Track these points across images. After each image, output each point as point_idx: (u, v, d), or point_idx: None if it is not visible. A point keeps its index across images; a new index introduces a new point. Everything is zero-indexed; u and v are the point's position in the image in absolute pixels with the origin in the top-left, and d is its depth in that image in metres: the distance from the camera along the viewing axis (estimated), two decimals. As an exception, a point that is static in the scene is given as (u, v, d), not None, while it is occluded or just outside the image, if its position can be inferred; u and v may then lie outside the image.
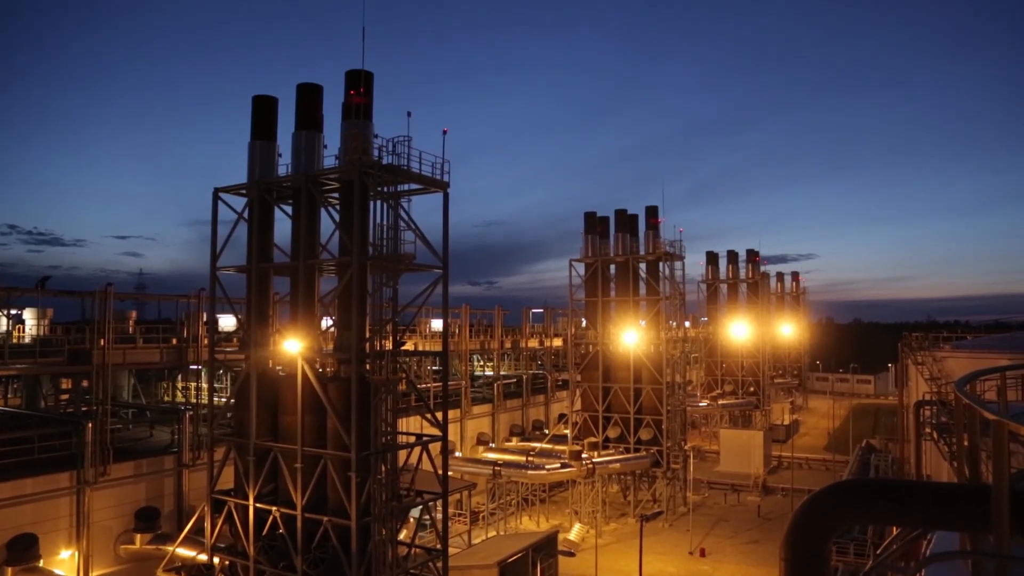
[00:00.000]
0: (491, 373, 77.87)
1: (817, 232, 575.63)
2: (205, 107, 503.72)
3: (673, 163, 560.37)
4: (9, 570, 29.83)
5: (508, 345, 75.43)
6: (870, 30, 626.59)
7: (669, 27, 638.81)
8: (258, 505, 31.54)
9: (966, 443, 11.33)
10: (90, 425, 33.31)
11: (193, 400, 44.33)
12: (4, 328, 40.94)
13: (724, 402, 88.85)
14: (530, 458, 52.66)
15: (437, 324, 68.33)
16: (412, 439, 33.25)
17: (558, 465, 51.80)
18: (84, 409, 41.84)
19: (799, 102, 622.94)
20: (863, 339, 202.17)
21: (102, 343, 37.35)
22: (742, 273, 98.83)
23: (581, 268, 63.72)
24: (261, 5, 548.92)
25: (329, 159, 32.69)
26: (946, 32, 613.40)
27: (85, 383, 43.26)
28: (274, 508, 31.06)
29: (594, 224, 63.65)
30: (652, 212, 64.58)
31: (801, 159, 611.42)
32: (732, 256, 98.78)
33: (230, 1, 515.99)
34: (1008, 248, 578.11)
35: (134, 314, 53.91)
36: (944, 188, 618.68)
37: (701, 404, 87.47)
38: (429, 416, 34.05)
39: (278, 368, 33.81)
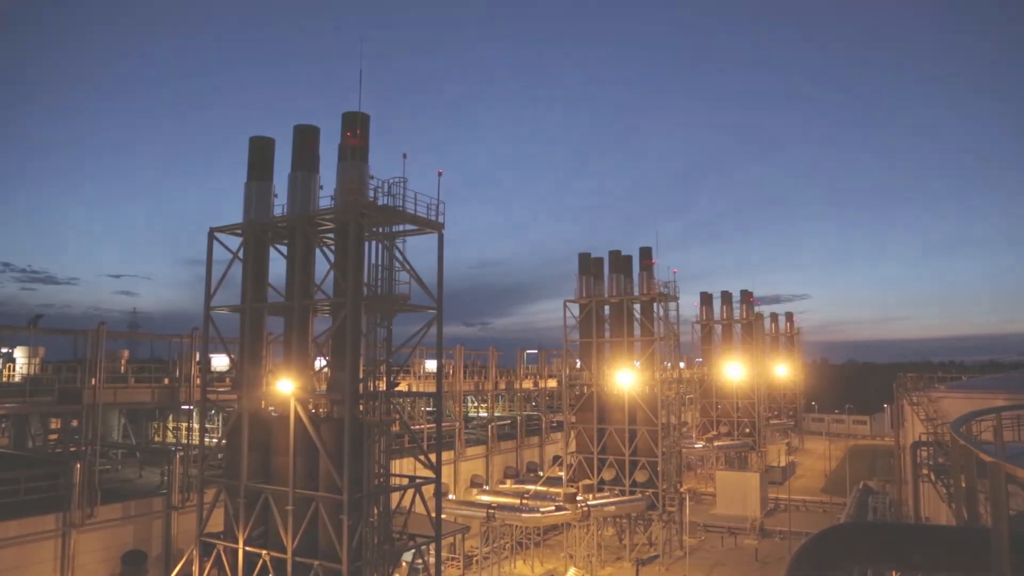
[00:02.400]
0: (485, 414, 77.26)
1: (811, 272, 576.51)
2: (201, 146, 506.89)
3: (667, 203, 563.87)
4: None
5: (502, 386, 75.02)
6: (863, 68, 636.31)
7: (661, 68, 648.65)
8: (248, 548, 31.02)
9: (963, 484, 11.28)
10: (78, 466, 32.80)
11: (184, 441, 43.72)
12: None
13: (720, 443, 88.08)
14: (524, 501, 51.91)
15: (431, 365, 67.94)
16: (405, 481, 32.89)
17: (553, 508, 51.08)
18: (73, 449, 41.27)
19: (794, 139, 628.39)
20: (858, 379, 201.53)
21: (93, 382, 37.05)
22: (736, 314, 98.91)
23: (575, 309, 63.71)
24: (259, 46, 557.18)
25: (325, 200, 32.92)
26: (939, 68, 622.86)
27: (75, 423, 42.77)
28: (264, 551, 30.55)
29: (588, 265, 63.89)
30: (646, 253, 64.90)
31: (794, 199, 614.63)
32: (726, 297, 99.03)
33: (228, 41, 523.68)
34: (1002, 288, 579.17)
35: (126, 353, 53.67)
36: (938, 227, 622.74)
37: (696, 446, 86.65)
38: (422, 458, 33.70)
39: (271, 409, 33.54)
